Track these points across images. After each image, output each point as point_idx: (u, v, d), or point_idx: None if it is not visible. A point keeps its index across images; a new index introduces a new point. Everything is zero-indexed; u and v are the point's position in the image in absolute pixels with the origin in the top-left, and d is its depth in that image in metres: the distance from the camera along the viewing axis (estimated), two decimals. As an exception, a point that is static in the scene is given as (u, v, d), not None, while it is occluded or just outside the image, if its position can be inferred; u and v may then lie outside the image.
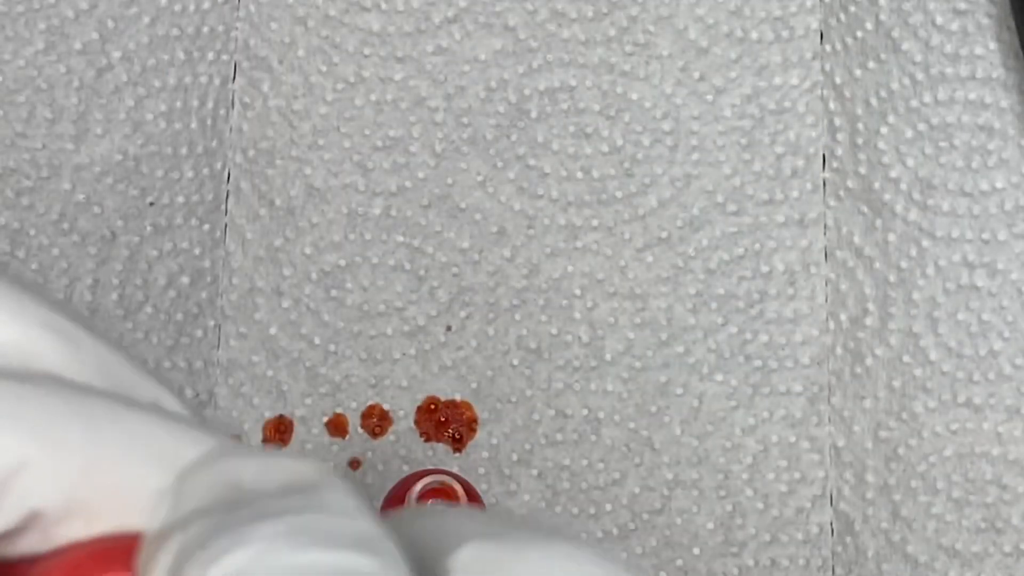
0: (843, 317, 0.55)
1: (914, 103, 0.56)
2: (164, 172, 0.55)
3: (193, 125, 0.56)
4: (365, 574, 0.20)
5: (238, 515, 0.20)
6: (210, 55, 0.56)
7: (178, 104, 0.56)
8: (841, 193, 0.56)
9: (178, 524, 0.21)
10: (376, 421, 0.53)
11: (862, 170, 0.56)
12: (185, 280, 0.55)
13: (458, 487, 0.47)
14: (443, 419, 0.53)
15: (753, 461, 0.54)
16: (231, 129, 0.56)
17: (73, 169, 0.55)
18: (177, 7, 0.57)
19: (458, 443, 0.53)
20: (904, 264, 0.55)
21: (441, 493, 0.47)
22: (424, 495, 0.46)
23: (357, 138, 0.56)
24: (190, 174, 0.55)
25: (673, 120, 0.56)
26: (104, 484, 0.21)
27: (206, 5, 0.57)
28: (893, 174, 0.56)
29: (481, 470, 0.53)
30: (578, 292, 0.55)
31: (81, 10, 0.56)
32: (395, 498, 0.48)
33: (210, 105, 0.56)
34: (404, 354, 0.54)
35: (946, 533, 0.53)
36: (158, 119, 0.56)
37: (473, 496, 0.48)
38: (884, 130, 0.56)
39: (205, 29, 0.57)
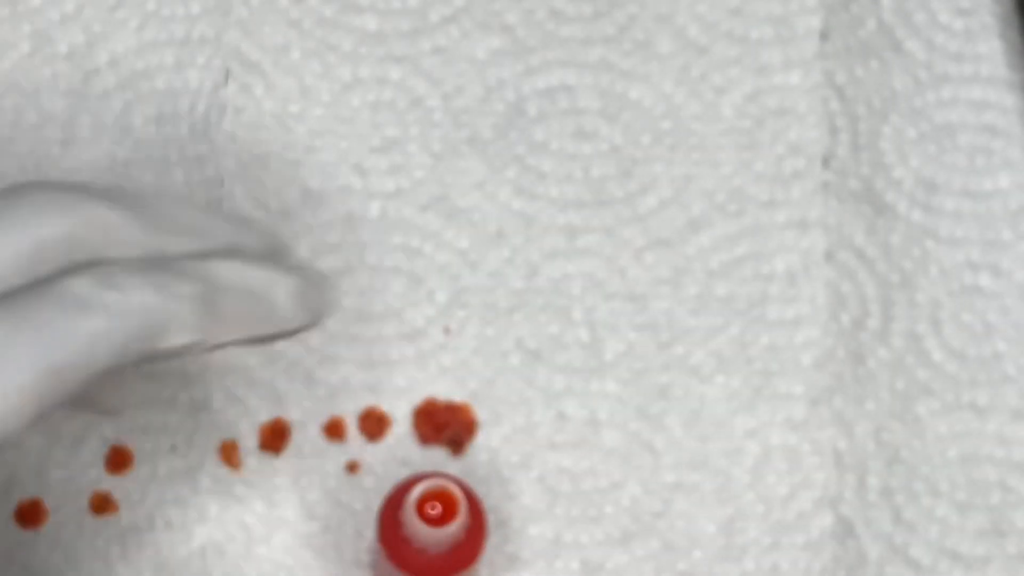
0: (845, 319, 0.54)
1: (917, 103, 0.56)
2: (154, 178, 0.55)
3: (183, 130, 0.55)
4: None
5: None
6: (200, 60, 0.56)
7: (168, 109, 0.55)
8: (843, 194, 0.56)
9: None
10: (374, 424, 0.53)
11: (864, 170, 0.56)
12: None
13: (457, 491, 0.46)
14: (442, 422, 0.53)
15: (754, 464, 0.53)
16: (223, 134, 0.56)
17: (61, 175, 0.54)
18: (165, 12, 0.56)
19: (457, 446, 0.53)
20: (907, 265, 0.55)
21: (440, 497, 0.46)
22: (423, 499, 0.46)
23: (353, 139, 0.56)
24: (181, 180, 0.55)
25: (673, 120, 0.56)
26: None
27: (195, 10, 0.56)
28: (895, 174, 0.56)
29: (480, 473, 0.53)
30: (577, 293, 0.55)
31: (67, 14, 0.56)
32: (393, 502, 0.48)
33: (201, 110, 0.56)
34: (402, 356, 0.54)
35: (949, 536, 0.53)
36: (147, 124, 0.55)
37: (472, 500, 0.48)
38: (886, 130, 0.56)
39: (195, 34, 0.56)
